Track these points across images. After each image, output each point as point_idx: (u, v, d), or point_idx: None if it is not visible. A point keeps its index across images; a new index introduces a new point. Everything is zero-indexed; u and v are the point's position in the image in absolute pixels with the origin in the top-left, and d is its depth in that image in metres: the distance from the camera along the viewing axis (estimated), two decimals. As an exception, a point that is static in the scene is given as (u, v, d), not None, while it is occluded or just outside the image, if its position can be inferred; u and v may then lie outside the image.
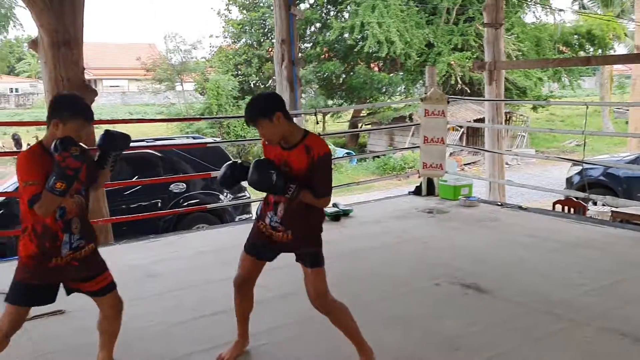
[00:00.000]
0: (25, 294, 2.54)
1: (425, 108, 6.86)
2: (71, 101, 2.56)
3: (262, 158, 2.71)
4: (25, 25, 18.97)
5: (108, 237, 5.70)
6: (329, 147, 2.72)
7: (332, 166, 2.79)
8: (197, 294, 3.97)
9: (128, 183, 7.04)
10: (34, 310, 3.24)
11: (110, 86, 37.42)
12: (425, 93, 7.01)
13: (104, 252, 5.05)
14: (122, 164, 7.42)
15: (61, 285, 2.63)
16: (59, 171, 2.34)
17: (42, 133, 5.03)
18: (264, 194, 2.84)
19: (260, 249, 2.84)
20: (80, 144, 2.42)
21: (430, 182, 7.21)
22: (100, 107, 27.92)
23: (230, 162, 2.79)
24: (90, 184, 2.65)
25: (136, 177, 7.25)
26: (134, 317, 3.57)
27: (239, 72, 23.76)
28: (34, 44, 5.54)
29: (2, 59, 16.83)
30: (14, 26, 16.13)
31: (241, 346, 3.03)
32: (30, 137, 20.90)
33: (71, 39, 5.39)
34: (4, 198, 6.84)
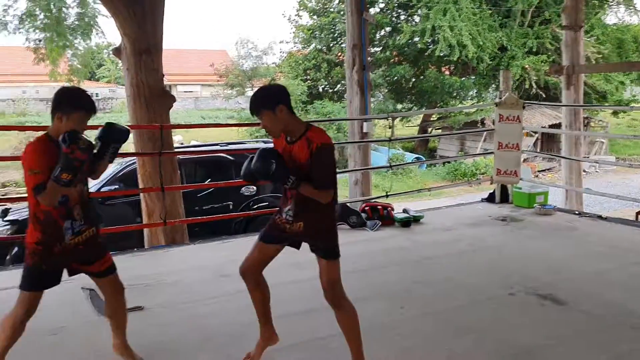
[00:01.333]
0: (37, 278, 2.63)
1: (500, 113, 6.69)
2: (74, 95, 2.68)
3: (267, 147, 2.71)
4: (107, 33, 20.08)
5: (184, 237, 5.89)
6: (331, 139, 2.71)
7: (336, 163, 2.76)
8: (268, 296, 4.02)
9: (200, 186, 7.25)
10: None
11: (184, 91, 38.56)
12: (500, 98, 6.84)
13: (180, 251, 5.31)
14: (196, 167, 7.72)
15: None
16: (67, 162, 2.43)
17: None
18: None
19: (271, 235, 2.90)
20: (84, 136, 2.51)
21: (504, 189, 7.02)
22: (175, 112, 28.81)
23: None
24: (90, 173, 2.80)
25: (209, 180, 7.45)
26: (207, 315, 3.68)
27: (308, 77, 24.03)
28: (117, 51, 5.81)
29: (85, 65, 17.65)
30: (97, 34, 16.87)
31: (265, 344, 3.04)
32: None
33: (152, 47, 5.63)
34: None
